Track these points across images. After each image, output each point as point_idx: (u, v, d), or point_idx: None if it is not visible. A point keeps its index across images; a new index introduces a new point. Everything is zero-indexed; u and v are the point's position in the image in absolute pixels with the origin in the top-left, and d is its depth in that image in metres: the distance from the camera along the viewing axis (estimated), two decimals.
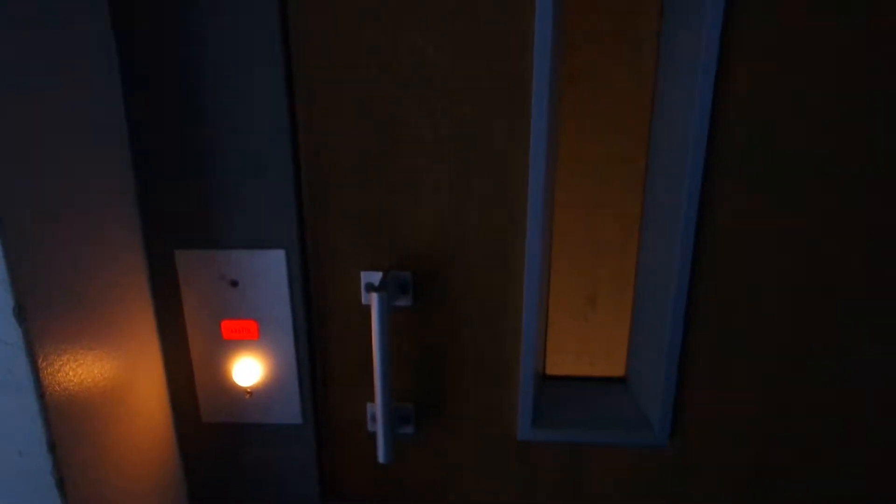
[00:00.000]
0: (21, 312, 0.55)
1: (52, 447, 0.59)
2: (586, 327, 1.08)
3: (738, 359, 0.80)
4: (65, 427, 0.61)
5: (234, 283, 0.78)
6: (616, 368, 1.03)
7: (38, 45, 0.58)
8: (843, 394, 0.80)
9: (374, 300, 0.71)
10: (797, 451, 0.84)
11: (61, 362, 0.60)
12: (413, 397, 0.84)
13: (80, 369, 0.63)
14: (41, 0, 0.58)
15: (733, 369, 0.81)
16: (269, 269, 0.76)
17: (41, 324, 0.57)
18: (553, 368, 0.97)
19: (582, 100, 0.89)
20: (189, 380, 0.83)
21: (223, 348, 0.81)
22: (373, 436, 0.86)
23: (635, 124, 0.90)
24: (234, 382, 0.81)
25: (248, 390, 0.82)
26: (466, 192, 0.75)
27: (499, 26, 0.68)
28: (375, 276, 0.77)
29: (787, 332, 0.78)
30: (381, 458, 0.78)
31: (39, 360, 0.57)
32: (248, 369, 0.81)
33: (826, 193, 0.72)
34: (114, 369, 0.70)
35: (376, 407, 0.76)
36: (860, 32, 0.66)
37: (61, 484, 0.60)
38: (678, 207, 0.73)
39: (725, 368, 0.81)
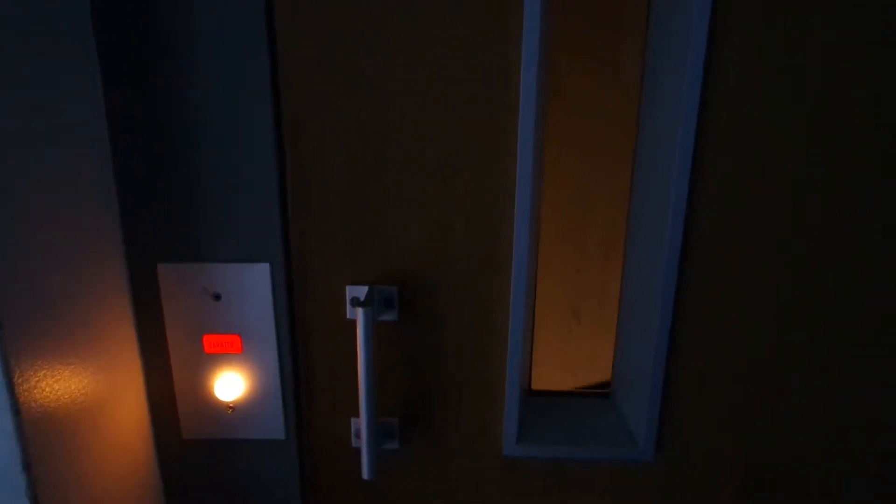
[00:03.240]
0: None
1: (27, 466, 0.57)
2: (570, 340, 1.08)
3: (724, 373, 0.80)
4: (40, 445, 0.59)
5: (217, 297, 0.76)
6: (598, 380, 1.03)
7: (20, 51, 0.57)
8: (832, 407, 0.81)
9: (359, 315, 0.71)
10: (785, 466, 0.84)
11: (38, 378, 0.59)
12: (398, 412, 0.84)
13: (58, 385, 0.62)
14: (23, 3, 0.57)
15: (719, 384, 0.81)
16: (254, 283, 0.76)
17: (17, 337, 0.56)
18: (538, 381, 0.97)
19: (565, 117, 0.90)
20: (170, 395, 0.81)
21: (205, 363, 0.80)
22: (357, 451, 0.85)
23: (618, 142, 0.91)
24: (216, 397, 0.80)
25: (231, 405, 0.81)
26: (453, 208, 0.75)
27: (487, 46, 0.69)
28: (361, 291, 0.77)
29: (774, 346, 0.79)
30: (365, 474, 0.77)
31: (15, 376, 0.56)
32: (230, 384, 0.79)
33: (815, 207, 0.73)
34: (92, 385, 0.68)
35: (361, 422, 0.75)
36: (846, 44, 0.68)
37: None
38: (664, 222, 0.74)
39: (711, 383, 0.81)
